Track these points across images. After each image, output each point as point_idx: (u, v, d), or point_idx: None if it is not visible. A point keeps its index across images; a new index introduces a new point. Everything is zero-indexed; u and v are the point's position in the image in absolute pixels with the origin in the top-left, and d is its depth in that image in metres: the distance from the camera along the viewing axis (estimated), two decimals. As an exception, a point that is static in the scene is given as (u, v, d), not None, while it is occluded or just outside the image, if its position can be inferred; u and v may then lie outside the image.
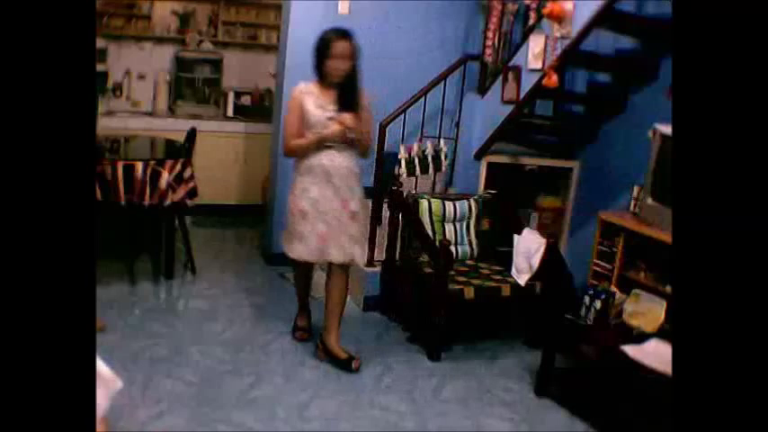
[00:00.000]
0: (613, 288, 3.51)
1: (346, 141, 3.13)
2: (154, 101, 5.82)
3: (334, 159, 3.15)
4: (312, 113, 3.12)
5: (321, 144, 3.12)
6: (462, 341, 3.76)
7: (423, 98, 4.20)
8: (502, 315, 3.84)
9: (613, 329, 3.21)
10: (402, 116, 4.16)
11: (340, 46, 3.05)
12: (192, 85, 5.90)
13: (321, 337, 3.39)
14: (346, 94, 3.11)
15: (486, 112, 4.41)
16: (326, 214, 3.17)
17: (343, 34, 3.09)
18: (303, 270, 3.49)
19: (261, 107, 5.98)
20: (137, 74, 5.78)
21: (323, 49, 3.09)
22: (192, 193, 4.14)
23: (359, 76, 3.16)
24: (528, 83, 3.99)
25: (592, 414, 3.07)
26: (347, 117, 3.07)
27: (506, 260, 3.89)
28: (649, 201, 3.51)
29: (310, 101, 3.13)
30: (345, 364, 3.29)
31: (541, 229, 4.29)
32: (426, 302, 3.63)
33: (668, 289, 3.50)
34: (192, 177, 4.13)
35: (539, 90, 3.92)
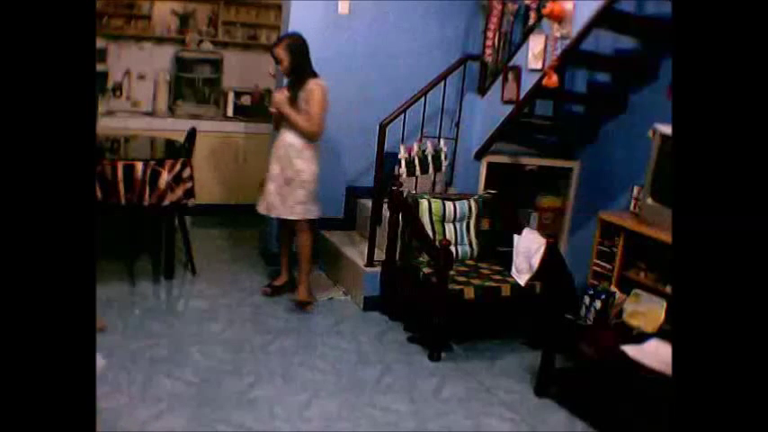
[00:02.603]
0: (613, 288, 3.52)
1: (275, 114, 3.93)
2: (154, 101, 5.82)
3: (281, 136, 3.92)
4: None
5: (275, 118, 3.97)
6: (462, 341, 3.76)
7: (423, 98, 4.20)
8: (502, 315, 3.84)
9: (613, 329, 3.21)
10: (402, 116, 4.16)
11: (274, 52, 3.82)
12: (192, 85, 5.90)
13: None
14: (294, 83, 3.85)
15: (486, 112, 4.41)
16: (273, 179, 3.93)
17: (278, 41, 3.89)
18: (283, 236, 4.19)
19: (261, 107, 5.97)
20: (137, 74, 5.78)
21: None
22: (189, 193, 4.13)
23: (299, 68, 3.79)
24: (528, 83, 3.99)
25: (592, 414, 3.07)
26: (275, 94, 3.96)
27: (506, 260, 3.89)
28: (649, 201, 3.51)
29: (283, 93, 3.93)
30: (306, 307, 4.06)
31: (541, 229, 4.29)
32: (426, 302, 3.63)
33: (668, 289, 3.50)
34: (190, 177, 4.13)
35: (539, 90, 3.92)
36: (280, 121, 3.93)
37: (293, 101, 3.81)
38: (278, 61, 3.83)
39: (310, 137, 3.82)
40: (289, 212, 3.93)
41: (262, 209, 4.05)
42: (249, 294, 4.21)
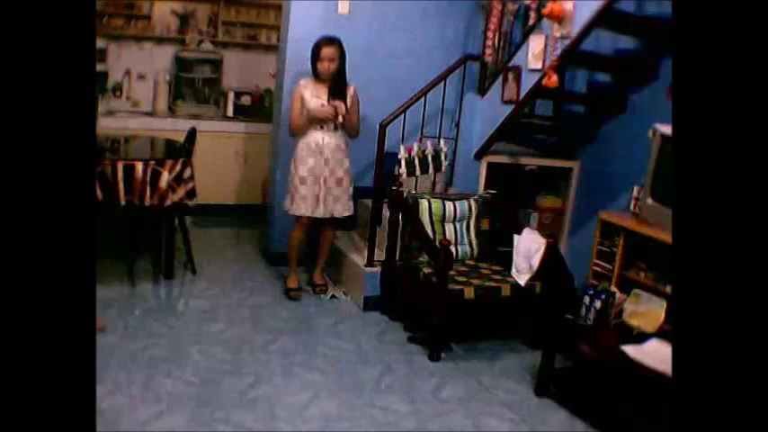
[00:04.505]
0: (613, 288, 3.52)
1: (334, 121, 3.90)
2: (154, 101, 5.82)
3: (325, 138, 3.93)
4: (309, 101, 3.90)
5: (314, 122, 3.91)
6: (462, 341, 3.76)
7: (423, 98, 4.20)
8: (502, 315, 3.84)
9: (613, 329, 3.21)
10: (402, 116, 4.15)
11: (325, 51, 3.83)
12: (192, 85, 5.89)
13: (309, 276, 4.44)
14: (336, 87, 3.90)
15: (486, 112, 4.41)
16: (319, 179, 3.94)
17: (330, 41, 3.85)
18: (298, 234, 4.15)
19: (261, 107, 5.98)
20: (137, 74, 5.78)
21: (313, 53, 3.87)
22: (192, 193, 4.14)
23: (345, 73, 3.93)
24: (528, 83, 3.98)
25: (592, 414, 3.07)
26: (339, 104, 3.87)
27: (506, 260, 3.89)
28: (649, 201, 3.51)
29: (308, 92, 3.92)
30: (317, 289, 4.29)
31: (541, 229, 4.29)
32: (426, 302, 3.63)
33: (668, 289, 3.50)
34: (191, 178, 4.13)
35: (539, 90, 3.92)
36: (308, 125, 3.90)
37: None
38: (319, 59, 3.81)
39: (356, 137, 4.09)
40: (345, 210, 4.08)
41: (299, 209, 3.99)
42: (249, 294, 4.21)
